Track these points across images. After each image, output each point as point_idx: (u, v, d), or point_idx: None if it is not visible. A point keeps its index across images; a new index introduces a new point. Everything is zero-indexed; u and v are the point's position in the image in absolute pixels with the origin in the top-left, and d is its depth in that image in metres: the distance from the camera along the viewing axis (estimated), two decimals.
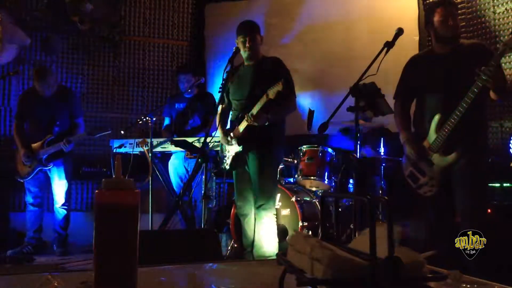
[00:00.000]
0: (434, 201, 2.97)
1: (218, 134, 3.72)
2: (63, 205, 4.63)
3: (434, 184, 2.89)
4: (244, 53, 3.49)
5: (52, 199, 4.75)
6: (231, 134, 3.55)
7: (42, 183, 4.68)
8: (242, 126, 3.44)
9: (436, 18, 2.91)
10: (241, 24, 3.55)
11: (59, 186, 4.61)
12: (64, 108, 4.64)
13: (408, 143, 3.03)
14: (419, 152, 2.94)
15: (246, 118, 3.35)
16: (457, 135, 2.76)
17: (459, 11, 4.70)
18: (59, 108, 4.61)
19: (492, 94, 2.79)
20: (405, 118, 3.14)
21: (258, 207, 3.44)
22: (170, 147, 4.43)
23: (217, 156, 3.91)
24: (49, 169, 4.60)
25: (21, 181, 4.61)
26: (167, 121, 4.98)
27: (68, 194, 4.69)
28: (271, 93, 3.20)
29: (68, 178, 4.67)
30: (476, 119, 2.80)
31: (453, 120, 2.72)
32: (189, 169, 4.70)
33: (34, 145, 4.55)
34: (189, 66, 5.20)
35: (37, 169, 4.54)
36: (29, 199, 4.64)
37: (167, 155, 4.81)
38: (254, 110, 3.31)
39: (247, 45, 3.45)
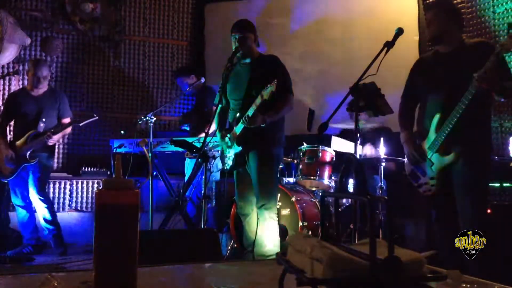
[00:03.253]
0: (435, 201, 2.97)
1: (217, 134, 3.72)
2: (39, 198, 4.43)
3: (434, 184, 2.89)
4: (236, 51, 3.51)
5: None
6: (228, 136, 3.55)
7: (26, 182, 4.52)
8: (238, 129, 3.44)
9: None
10: (234, 23, 3.56)
11: (32, 179, 4.45)
12: (52, 107, 4.56)
13: (407, 143, 3.03)
14: (417, 152, 2.94)
15: (242, 121, 3.36)
16: (456, 135, 2.76)
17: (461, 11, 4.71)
18: (46, 106, 4.53)
19: (493, 94, 2.79)
20: (407, 118, 3.14)
21: (260, 207, 3.44)
22: (170, 147, 4.44)
23: (218, 157, 3.91)
24: (26, 167, 4.46)
25: (5, 181, 4.50)
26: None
27: (41, 186, 4.47)
28: (265, 94, 3.19)
29: (47, 174, 4.53)
30: (477, 119, 2.79)
31: (451, 121, 2.72)
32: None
33: (18, 142, 4.43)
34: (185, 69, 5.21)
35: (22, 166, 4.41)
36: (15, 201, 4.53)
37: (167, 155, 4.82)
38: (250, 112, 3.31)
39: (238, 43, 3.46)
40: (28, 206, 4.55)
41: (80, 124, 4.50)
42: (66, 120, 4.62)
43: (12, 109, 4.60)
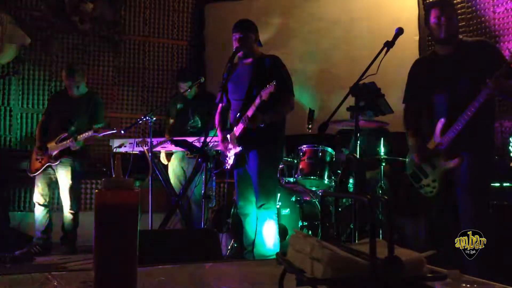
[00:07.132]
0: (436, 202, 2.96)
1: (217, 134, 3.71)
2: (70, 209, 4.61)
3: (435, 186, 2.88)
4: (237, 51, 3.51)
5: (60, 199, 4.75)
6: (228, 137, 3.55)
7: (51, 180, 4.66)
8: (238, 130, 3.44)
9: (431, 20, 2.90)
10: (235, 23, 3.57)
11: (64, 187, 4.59)
12: (85, 111, 4.64)
13: (414, 149, 2.98)
14: (424, 158, 2.90)
15: (242, 121, 3.36)
16: (461, 140, 2.74)
17: (459, 11, 4.70)
18: (80, 110, 4.63)
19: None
20: (413, 124, 3.07)
21: (259, 207, 3.44)
22: (170, 147, 4.43)
23: (217, 156, 3.91)
24: (56, 168, 4.57)
25: (31, 175, 4.61)
26: (171, 122, 5.00)
27: (74, 195, 4.63)
28: (264, 94, 3.20)
29: (74, 179, 4.61)
30: (481, 122, 2.77)
31: (457, 127, 2.70)
32: (186, 170, 4.70)
33: (51, 142, 4.56)
34: (188, 74, 5.13)
35: (46, 165, 4.53)
36: (36, 197, 4.63)
37: (167, 155, 4.81)
38: (249, 112, 3.31)
39: (239, 43, 3.46)
40: (46, 204, 4.64)
41: (100, 135, 4.52)
42: (98, 126, 4.60)
43: (52, 108, 4.80)
